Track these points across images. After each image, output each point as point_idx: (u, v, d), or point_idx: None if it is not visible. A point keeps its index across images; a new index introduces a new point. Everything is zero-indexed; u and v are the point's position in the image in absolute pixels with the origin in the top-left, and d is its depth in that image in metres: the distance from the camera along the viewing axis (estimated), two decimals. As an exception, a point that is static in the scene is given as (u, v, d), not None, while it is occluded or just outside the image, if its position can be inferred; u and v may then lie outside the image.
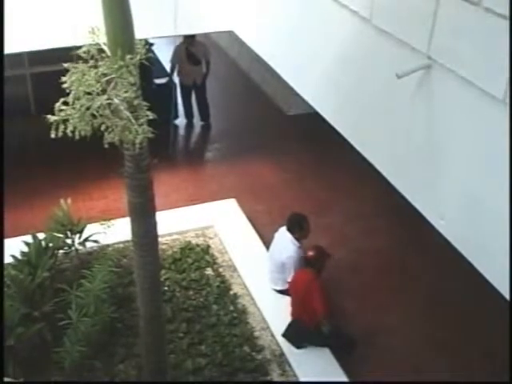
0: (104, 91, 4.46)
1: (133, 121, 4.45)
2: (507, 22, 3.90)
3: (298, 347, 7.65)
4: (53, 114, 4.36)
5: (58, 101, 4.40)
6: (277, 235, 8.39)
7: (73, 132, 4.32)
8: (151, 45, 9.38)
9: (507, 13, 3.89)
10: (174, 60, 12.49)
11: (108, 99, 4.41)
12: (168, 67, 12.68)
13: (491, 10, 4.02)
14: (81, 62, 4.59)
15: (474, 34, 4.22)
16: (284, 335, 7.69)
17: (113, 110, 4.46)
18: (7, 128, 9.10)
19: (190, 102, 12.94)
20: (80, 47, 4.77)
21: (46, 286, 7.47)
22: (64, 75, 4.51)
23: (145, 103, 4.72)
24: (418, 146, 4.96)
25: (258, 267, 8.66)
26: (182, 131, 13.01)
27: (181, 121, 12.99)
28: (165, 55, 12.89)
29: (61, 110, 4.33)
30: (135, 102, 4.57)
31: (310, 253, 7.69)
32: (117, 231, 8.19)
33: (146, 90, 5.00)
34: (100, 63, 4.58)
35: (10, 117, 8.48)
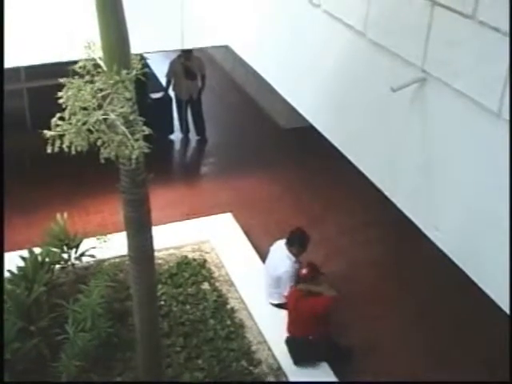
0: (100, 106, 4.47)
1: (129, 136, 4.46)
2: (501, 35, 3.93)
3: (297, 364, 7.62)
4: (49, 129, 4.37)
5: (54, 115, 4.41)
6: (272, 249, 8.38)
7: (69, 147, 4.32)
8: (146, 59, 9.43)
9: (501, 26, 3.92)
10: (170, 74, 12.53)
11: (104, 114, 4.42)
12: (164, 81, 12.72)
13: (485, 23, 4.05)
14: (77, 77, 4.60)
15: (469, 47, 4.25)
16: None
17: (109, 125, 4.47)
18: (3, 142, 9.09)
19: (186, 116, 12.96)
20: (76, 62, 4.78)
21: (42, 300, 7.45)
22: (60, 90, 4.52)
23: (141, 118, 4.73)
24: (414, 158, 4.98)
25: (255, 281, 8.64)
26: (177, 145, 13.03)
27: (176, 135, 13.01)
28: (160, 69, 12.93)
29: (57, 125, 4.34)
30: (131, 117, 4.57)
31: (304, 271, 7.65)
32: (113, 245, 8.16)
33: (141, 104, 5.02)
34: (96, 78, 4.59)
35: (6, 131, 8.49)
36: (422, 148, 4.86)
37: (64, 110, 4.45)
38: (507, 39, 3.89)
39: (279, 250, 8.18)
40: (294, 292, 7.75)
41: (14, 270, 7.69)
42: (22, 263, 7.77)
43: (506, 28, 3.88)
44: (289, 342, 7.74)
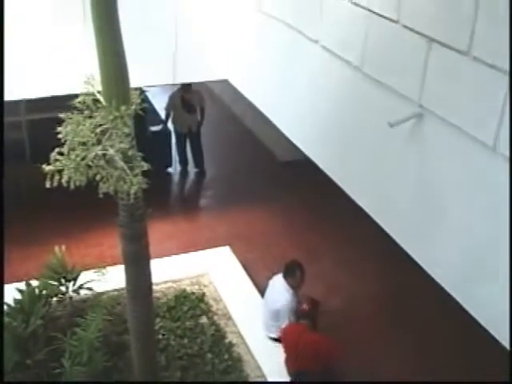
0: (99, 141, 4.50)
1: (127, 171, 4.48)
2: (495, 71, 3.97)
3: None
4: (48, 161, 4.39)
5: (53, 148, 4.43)
6: (271, 282, 8.37)
7: (68, 182, 4.34)
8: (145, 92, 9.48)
9: (495, 62, 3.97)
10: (169, 107, 12.60)
11: (103, 150, 4.45)
12: (163, 114, 12.78)
13: (480, 59, 4.10)
14: (76, 112, 4.64)
15: (464, 82, 4.29)
16: None
17: (107, 161, 4.50)
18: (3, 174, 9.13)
19: (185, 149, 13.00)
20: (76, 96, 4.82)
21: (39, 333, 7.40)
22: (60, 123, 4.56)
23: (139, 153, 4.75)
24: (411, 192, 5.00)
25: (253, 315, 8.61)
26: (176, 178, 13.06)
27: (175, 168, 13.05)
28: (160, 102, 13.01)
29: (56, 160, 4.37)
30: (130, 153, 4.61)
31: (304, 306, 7.59)
32: (111, 278, 8.14)
33: (140, 137, 5.05)
34: (95, 113, 4.62)
35: (5, 163, 8.51)
36: (420, 182, 4.88)
37: (63, 143, 4.48)
38: (501, 75, 3.93)
39: (278, 284, 8.16)
40: (296, 327, 7.67)
41: (11, 303, 7.66)
42: (18, 296, 7.75)
43: (500, 64, 3.93)
44: (296, 375, 7.67)
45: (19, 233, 9.81)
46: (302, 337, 7.49)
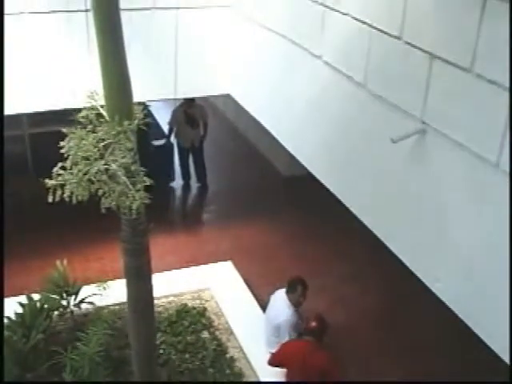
0: (102, 156, 4.50)
1: (130, 186, 4.49)
2: (497, 88, 3.98)
3: None
4: (50, 174, 4.40)
5: (55, 161, 4.44)
6: (273, 298, 8.34)
7: (70, 197, 4.35)
8: (148, 106, 9.51)
9: (498, 79, 3.98)
10: (172, 122, 12.61)
11: (105, 164, 4.46)
12: (166, 129, 12.80)
13: (482, 76, 4.11)
14: (79, 126, 4.64)
15: (467, 99, 4.30)
16: None
17: (110, 176, 4.50)
18: (4, 187, 9.14)
19: (188, 163, 13.00)
20: (79, 110, 4.83)
21: (40, 348, 7.39)
22: (62, 136, 4.56)
23: (142, 168, 4.75)
24: (413, 208, 5.00)
25: (255, 330, 8.58)
26: (178, 192, 13.06)
27: (178, 182, 13.05)
28: (163, 117, 13.04)
29: (58, 175, 4.37)
30: (132, 168, 4.61)
31: (313, 323, 7.52)
32: (113, 293, 8.13)
33: (143, 151, 5.05)
34: (98, 128, 4.63)
35: (7, 176, 8.54)
36: (422, 198, 4.88)
37: (66, 158, 4.49)
38: (503, 92, 3.94)
39: (279, 299, 8.13)
40: (300, 344, 7.60)
41: (12, 316, 7.65)
42: (20, 309, 7.74)
43: (502, 80, 3.94)
44: None
45: (21, 246, 9.82)
46: (307, 355, 7.41)
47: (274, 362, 7.69)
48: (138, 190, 4.51)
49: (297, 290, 8.02)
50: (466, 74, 4.25)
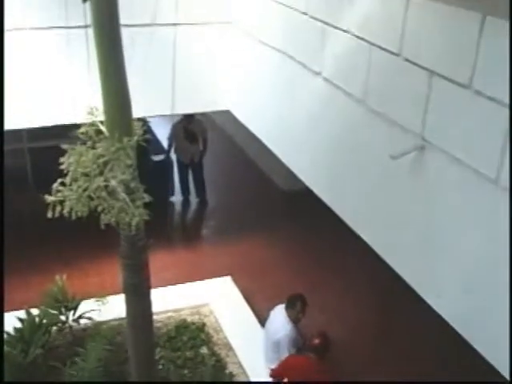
0: (101, 172, 4.51)
1: (129, 203, 4.49)
2: (496, 104, 4.00)
3: None
4: (50, 188, 4.40)
5: (55, 175, 4.44)
6: (272, 313, 8.33)
7: (69, 213, 4.35)
8: (148, 122, 9.52)
9: (497, 95, 3.99)
10: (172, 137, 12.64)
11: (105, 181, 4.46)
12: (165, 144, 12.82)
13: (481, 92, 4.12)
14: (79, 142, 4.65)
15: (466, 115, 4.31)
16: None
17: (109, 192, 4.50)
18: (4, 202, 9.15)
19: (187, 179, 13.01)
20: (78, 125, 4.85)
21: (38, 363, 7.38)
22: (62, 151, 4.57)
23: (141, 185, 4.76)
24: (413, 225, 5.00)
25: (254, 346, 8.56)
26: (178, 208, 13.07)
27: (177, 197, 13.06)
28: (162, 132, 13.06)
29: (58, 191, 4.38)
30: (132, 185, 4.62)
31: (316, 340, 7.51)
32: (112, 308, 8.12)
33: (143, 166, 5.06)
34: (98, 144, 4.64)
35: (7, 190, 8.55)
36: (422, 215, 4.88)
37: (65, 174, 4.50)
38: (502, 108, 3.95)
39: (279, 315, 8.13)
40: (304, 360, 7.58)
41: (11, 331, 7.64)
42: (18, 324, 7.72)
43: (501, 97, 3.95)
44: None
45: (20, 260, 9.81)
46: (309, 372, 7.38)
47: (276, 374, 7.71)
48: (138, 207, 4.52)
49: (296, 306, 8.01)
50: (465, 90, 4.26)
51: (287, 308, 8.06)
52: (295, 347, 7.86)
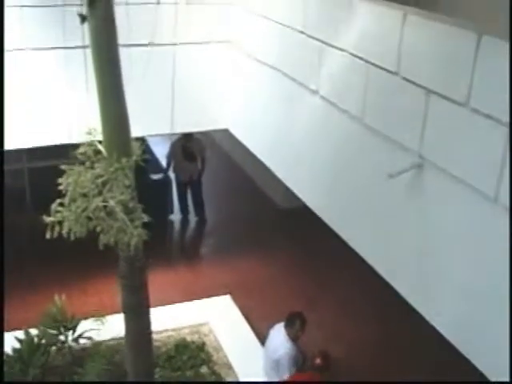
0: (100, 193, 4.51)
1: (128, 223, 4.49)
2: (494, 122, 4.01)
3: None
4: (49, 208, 4.40)
5: (54, 195, 4.45)
6: (272, 332, 8.31)
7: (68, 233, 4.35)
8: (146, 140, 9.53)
9: (493, 113, 4.00)
10: (170, 156, 12.65)
11: (103, 201, 4.47)
12: (164, 163, 12.84)
13: (478, 110, 4.14)
14: (77, 163, 4.66)
15: (463, 133, 4.32)
16: None
17: (108, 212, 4.51)
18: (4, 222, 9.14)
19: (186, 197, 13.02)
20: (77, 146, 4.85)
21: (37, 383, 7.34)
22: (61, 171, 4.58)
23: (140, 205, 4.76)
24: (412, 243, 4.99)
25: (254, 364, 8.53)
26: (177, 226, 13.06)
27: (176, 216, 13.05)
28: (161, 150, 13.08)
29: (57, 212, 4.38)
30: (130, 205, 4.62)
31: (318, 360, 7.51)
32: (111, 327, 8.10)
33: (141, 185, 5.06)
34: (96, 165, 4.65)
35: (6, 210, 8.55)
36: (420, 232, 4.88)
37: (64, 194, 4.50)
38: (500, 126, 3.97)
39: (278, 333, 8.10)
40: (310, 376, 7.56)
41: (10, 351, 7.61)
42: (17, 344, 7.69)
43: (498, 115, 3.96)
44: None
45: (19, 280, 9.78)
46: None
47: None
48: (136, 227, 4.52)
49: (295, 324, 7.99)
50: (462, 108, 4.28)
51: (286, 326, 8.04)
52: (295, 365, 7.83)
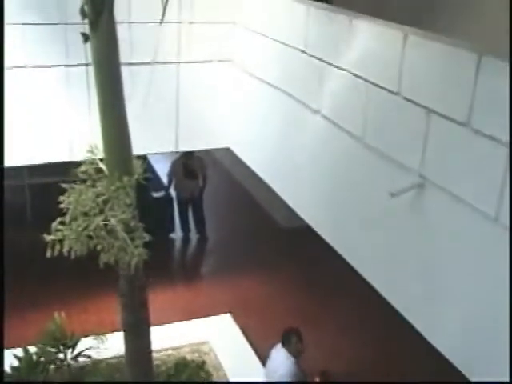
0: (101, 211, 4.51)
1: (129, 242, 4.49)
2: (495, 143, 4.02)
3: None
4: (49, 224, 4.40)
5: (55, 212, 4.44)
6: (273, 352, 8.27)
7: (68, 252, 4.35)
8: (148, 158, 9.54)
9: (494, 133, 4.01)
10: (171, 174, 12.66)
11: (104, 220, 4.47)
12: (165, 180, 12.85)
13: (479, 131, 4.14)
14: (78, 181, 4.66)
15: (464, 153, 4.32)
16: None
17: (109, 231, 4.50)
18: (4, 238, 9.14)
19: (187, 215, 13.02)
20: (78, 164, 4.86)
21: (36, 402, 7.31)
22: (61, 189, 4.58)
23: (141, 224, 4.76)
24: (412, 262, 4.99)
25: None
26: (178, 244, 13.05)
27: (177, 234, 13.05)
28: (163, 169, 13.09)
29: (57, 230, 4.38)
30: (132, 224, 4.62)
31: (317, 379, 7.49)
32: (111, 345, 8.06)
33: (143, 203, 5.06)
34: (97, 183, 4.65)
35: (6, 227, 8.54)
36: (420, 252, 4.87)
37: (65, 212, 4.50)
38: (500, 146, 3.97)
39: (278, 353, 8.07)
40: None
41: (8, 369, 7.57)
42: (15, 362, 7.66)
43: (499, 134, 3.97)
44: None
45: (19, 297, 9.76)
46: None
47: None
48: (137, 246, 4.51)
49: (291, 340, 7.96)
50: (464, 128, 4.28)
51: (284, 345, 8.01)
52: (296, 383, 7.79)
